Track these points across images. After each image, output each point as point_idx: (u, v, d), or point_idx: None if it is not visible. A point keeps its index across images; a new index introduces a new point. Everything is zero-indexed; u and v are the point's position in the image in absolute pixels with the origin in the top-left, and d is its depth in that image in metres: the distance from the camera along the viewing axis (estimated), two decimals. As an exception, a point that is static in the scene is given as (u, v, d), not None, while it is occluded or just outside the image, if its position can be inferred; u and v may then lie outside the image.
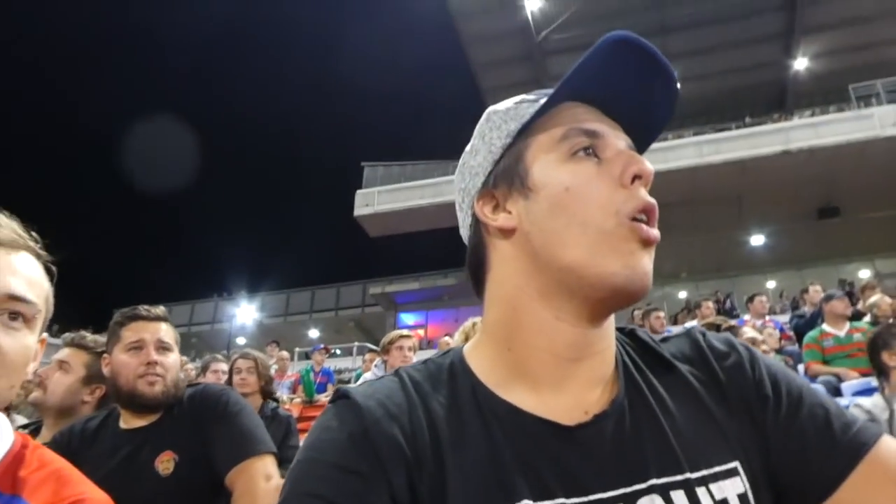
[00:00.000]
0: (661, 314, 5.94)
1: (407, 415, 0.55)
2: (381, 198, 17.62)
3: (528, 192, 0.59)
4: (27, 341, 0.73)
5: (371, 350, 7.65)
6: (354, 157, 19.07)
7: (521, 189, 0.60)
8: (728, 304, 13.15)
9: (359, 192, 17.87)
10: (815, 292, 6.31)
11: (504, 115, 0.64)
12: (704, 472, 0.54)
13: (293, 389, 7.55)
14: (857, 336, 4.43)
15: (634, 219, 0.56)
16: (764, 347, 2.58)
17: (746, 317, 6.39)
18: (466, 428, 0.55)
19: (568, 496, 0.51)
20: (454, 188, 0.70)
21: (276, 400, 3.64)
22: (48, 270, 0.79)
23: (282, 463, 1.69)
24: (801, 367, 4.77)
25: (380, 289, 23.11)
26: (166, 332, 1.60)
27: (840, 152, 14.13)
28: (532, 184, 0.59)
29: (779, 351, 5.12)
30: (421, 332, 21.73)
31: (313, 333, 26.01)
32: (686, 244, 15.98)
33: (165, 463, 1.43)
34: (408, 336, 3.75)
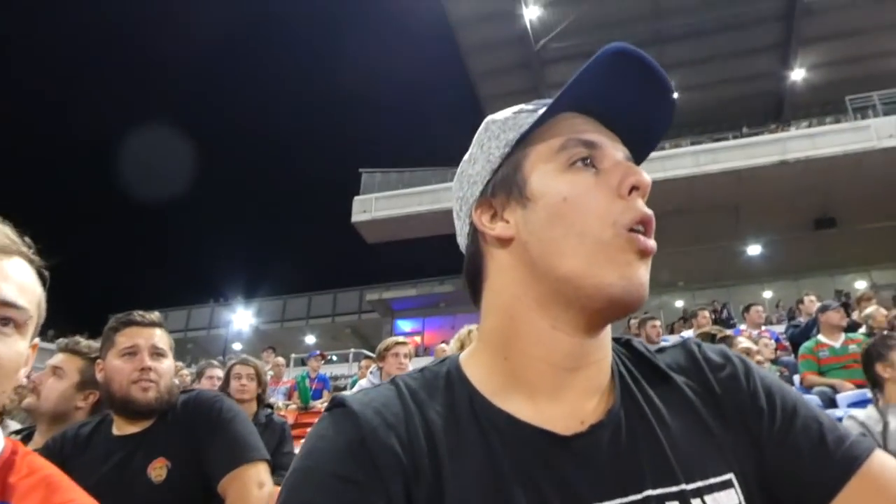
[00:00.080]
0: (658, 323, 5.93)
1: (404, 424, 0.55)
2: (378, 204, 17.64)
3: (526, 201, 0.59)
4: (18, 347, 0.73)
5: (367, 357, 7.61)
6: (352, 163, 19.09)
7: (520, 198, 0.60)
8: (725, 313, 13.16)
9: (356, 198, 17.90)
10: (811, 302, 6.33)
11: (503, 124, 0.64)
12: (700, 484, 0.54)
13: (289, 396, 7.52)
14: (852, 347, 4.43)
15: (632, 230, 0.56)
16: (759, 358, 2.58)
17: (743, 326, 6.39)
18: (463, 437, 0.55)
19: None
20: (452, 196, 0.70)
21: (271, 406, 3.63)
22: (41, 276, 0.79)
23: (276, 470, 1.68)
24: (796, 378, 4.78)
25: (377, 295, 23.09)
26: (161, 337, 1.59)
27: (837, 163, 14.20)
28: (530, 193, 0.59)
29: (774, 361, 5.12)
30: (418, 338, 21.72)
31: (310, 339, 25.96)
32: (683, 253, 16.02)
33: (158, 470, 1.42)
34: (403, 343, 3.74)
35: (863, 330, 5.10)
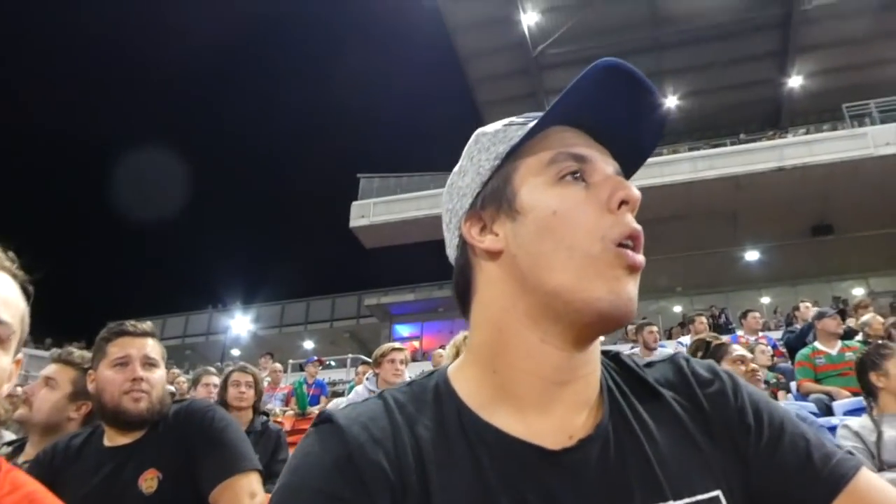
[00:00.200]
0: (655, 328, 5.93)
1: (391, 439, 0.54)
2: (376, 209, 17.66)
3: (515, 214, 0.59)
4: (1, 362, 0.73)
5: (364, 362, 7.60)
6: (351, 168, 19.10)
7: (509, 211, 0.60)
8: (724, 318, 13.15)
9: (355, 203, 17.91)
10: (807, 308, 6.35)
11: (493, 137, 0.64)
12: (687, 500, 0.54)
13: (286, 402, 7.50)
14: (848, 355, 4.42)
15: (620, 244, 0.56)
16: (753, 365, 2.57)
17: (740, 332, 6.40)
18: (452, 451, 0.55)
19: None
20: (442, 208, 0.70)
21: (266, 414, 3.64)
22: (24, 290, 0.78)
23: (271, 478, 1.67)
24: (793, 385, 4.77)
25: (375, 300, 23.08)
26: (153, 347, 1.58)
27: (834, 170, 14.25)
28: (520, 206, 0.59)
29: (771, 368, 5.11)
30: (416, 343, 21.70)
31: (308, 345, 25.90)
32: (681, 259, 16.06)
33: (149, 481, 1.41)
34: (400, 349, 3.74)
35: (859, 337, 5.10)
